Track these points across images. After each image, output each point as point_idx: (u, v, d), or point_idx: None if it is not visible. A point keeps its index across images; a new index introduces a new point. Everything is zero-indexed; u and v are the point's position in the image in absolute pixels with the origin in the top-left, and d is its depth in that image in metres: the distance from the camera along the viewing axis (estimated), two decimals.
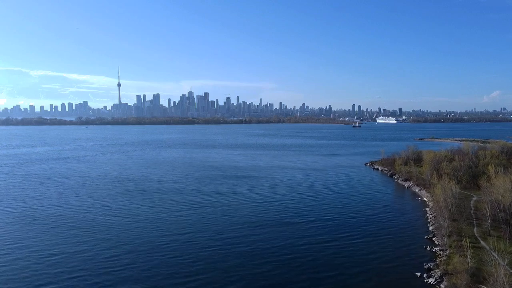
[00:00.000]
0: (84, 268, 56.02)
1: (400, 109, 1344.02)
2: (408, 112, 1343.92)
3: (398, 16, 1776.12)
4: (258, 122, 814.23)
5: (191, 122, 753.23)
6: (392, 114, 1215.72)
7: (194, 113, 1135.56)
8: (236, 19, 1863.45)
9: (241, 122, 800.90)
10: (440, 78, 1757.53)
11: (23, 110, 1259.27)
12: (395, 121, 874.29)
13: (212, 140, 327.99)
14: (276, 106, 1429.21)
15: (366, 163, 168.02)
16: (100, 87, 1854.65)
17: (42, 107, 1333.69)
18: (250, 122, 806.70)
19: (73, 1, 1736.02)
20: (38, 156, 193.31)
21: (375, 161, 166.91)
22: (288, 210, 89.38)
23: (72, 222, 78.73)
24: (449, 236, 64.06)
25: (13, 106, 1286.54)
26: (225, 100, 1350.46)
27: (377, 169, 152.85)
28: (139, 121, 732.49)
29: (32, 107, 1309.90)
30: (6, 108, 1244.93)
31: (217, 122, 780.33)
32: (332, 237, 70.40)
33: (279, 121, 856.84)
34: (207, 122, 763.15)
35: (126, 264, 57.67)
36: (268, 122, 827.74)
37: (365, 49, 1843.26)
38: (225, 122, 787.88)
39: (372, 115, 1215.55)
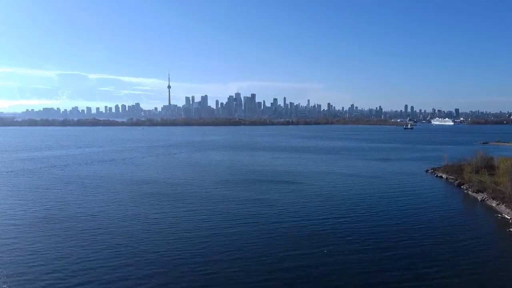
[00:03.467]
0: None
1: (457, 110, 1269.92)
2: (465, 113, 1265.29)
3: (451, 11, 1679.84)
4: (306, 123, 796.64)
5: (238, 123, 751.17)
6: (448, 115, 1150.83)
7: (241, 114, 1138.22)
8: (283, 20, 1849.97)
9: (288, 123, 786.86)
10: (501, 76, 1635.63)
11: (80, 111, 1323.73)
12: (452, 123, 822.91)
13: (258, 142, 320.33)
14: (324, 107, 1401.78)
15: (427, 170, 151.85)
16: (151, 89, 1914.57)
17: (97, 108, 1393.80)
18: (297, 123, 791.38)
19: (124, 7, 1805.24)
20: (86, 158, 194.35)
21: (438, 167, 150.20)
22: (342, 227, 78.17)
23: (108, 234, 72.46)
24: None
25: (72, 107, 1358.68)
26: (272, 101, 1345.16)
27: (441, 177, 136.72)
28: (187, 122, 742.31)
29: (88, 108, 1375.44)
30: (65, 110, 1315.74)
31: (263, 123, 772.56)
32: (395, 266, 58.27)
33: (327, 123, 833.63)
34: (253, 123, 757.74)
35: None
36: (315, 123, 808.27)
37: (418, 46, 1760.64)
38: (272, 123, 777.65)
39: (426, 116, 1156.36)
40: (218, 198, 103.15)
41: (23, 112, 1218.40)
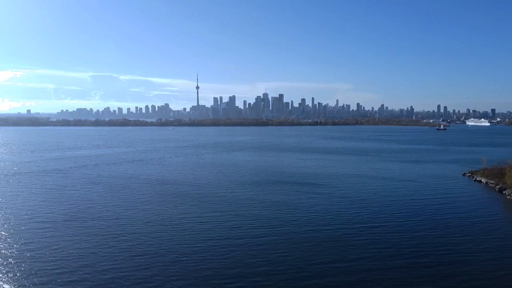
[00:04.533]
0: None
1: (493, 110, 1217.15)
2: (502, 113, 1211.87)
3: (485, 8, 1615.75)
4: (334, 124, 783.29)
5: (265, 123, 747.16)
6: (483, 115, 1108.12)
7: (268, 114, 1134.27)
8: (312, 20, 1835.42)
9: (316, 123, 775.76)
10: None
11: (112, 112, 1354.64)
12: (488, 124, 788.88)
13: (285, 143, 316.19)
14: (353, 107, 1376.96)
15: (464, 173, 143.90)
16: (180, 90, 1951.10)
17: (128, 109, 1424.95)
18: (325, 123, 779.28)
19: (154, 10, 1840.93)
20: (115, 158, 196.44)
21: (476, 171, 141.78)
22: (380, 237, 73.12)
23: (132, 240, 70.96)
24: None
25: (104, 108, 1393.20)
26: (299, 102, 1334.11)
27: (480, 181, 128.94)
28: (214, 123, 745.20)
29: (120, 109, 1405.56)
30: (98, 110, 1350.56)
31: (291, 123, 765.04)
32: (440, 285, 53.25)
33: (356, 123, 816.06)
34: (281, 123, 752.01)
35: None
36: (344, 124, 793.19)
37: (450, 44, 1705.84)
38: (299, 124, 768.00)
39: (460, 117, 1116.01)
40: (245, 201, 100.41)
41: (58, 112, 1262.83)
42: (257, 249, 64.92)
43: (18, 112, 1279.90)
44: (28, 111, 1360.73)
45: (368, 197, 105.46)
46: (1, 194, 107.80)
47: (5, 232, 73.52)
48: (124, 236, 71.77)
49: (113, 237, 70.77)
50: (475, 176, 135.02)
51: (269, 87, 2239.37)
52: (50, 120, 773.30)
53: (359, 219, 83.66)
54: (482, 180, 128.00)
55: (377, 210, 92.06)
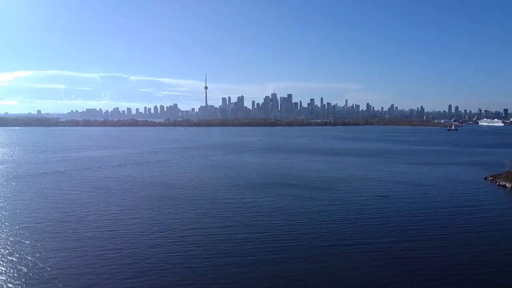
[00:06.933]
0: None
1: (506, 110, 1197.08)
2: None
3: (497, 9, 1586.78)
4: (344, 124, 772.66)
5: (274, 124, 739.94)
6: (496, 115, 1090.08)
7: (277, 114, 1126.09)
8: (321, 19, 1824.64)
9: (325, 124, 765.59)
10: None
11: (121, 112, 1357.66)
12: (502, 124, 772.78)
13: (295, 144, 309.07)
14: (363, 107, 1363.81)
15: (486, 177, 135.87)
16: (189, 90, 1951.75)
17: (137, 109, 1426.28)
18: (335, 124, 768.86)
19: (163, 12, 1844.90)
20: (120, 159, 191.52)
21: (499, 174, 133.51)
22: (407, 253, 65.92)
23: (127, 251, 65.09)
24: None
25: (113, 108, 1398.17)
26: (308, 102, 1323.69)
27: (504, 185, 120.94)
28: (223, 123, 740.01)
29: (129, 109, 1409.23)
30: (107, 111, 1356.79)
31: (300, 124, 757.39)
32: None
33: (366, 123, 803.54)
34: (289, 124, 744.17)
35: None
36: (354, 124, 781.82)
37: (461, 42, 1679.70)
38: (309, 124, 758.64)
39: (472, 117, 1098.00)
40: (256, 208, 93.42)
41: (68, 112, 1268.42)
42: (272, 270, 57.09)
43: (29, 113, 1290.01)
44: (39, 111, 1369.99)
45: (389, 205, 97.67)
46: None
47: None
48: (118, 251, 64.44)
49: (105, 251, 64.14)
50: (498, 181, 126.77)
51: (278, 87, 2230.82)
52: (59, 120, 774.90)
53: (383, 232, 75.08)
54: (507, 185, 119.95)
55: (402, 220, 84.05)
